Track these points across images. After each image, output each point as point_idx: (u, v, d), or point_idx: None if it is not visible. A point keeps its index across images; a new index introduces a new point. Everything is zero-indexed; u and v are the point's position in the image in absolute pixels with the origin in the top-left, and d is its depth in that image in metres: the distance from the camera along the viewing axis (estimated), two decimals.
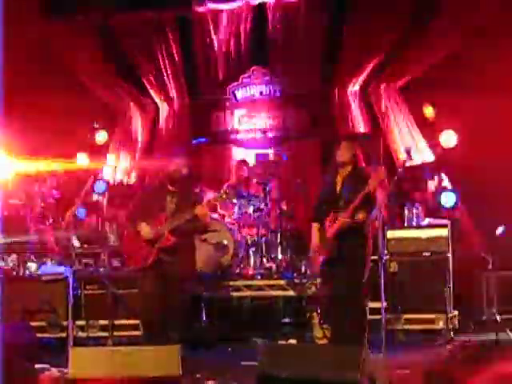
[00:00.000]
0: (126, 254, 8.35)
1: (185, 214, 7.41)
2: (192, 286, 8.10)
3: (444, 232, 8.99)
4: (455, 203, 10.43)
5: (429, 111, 11.36)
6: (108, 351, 5.90)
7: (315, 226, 7.18)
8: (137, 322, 8.27)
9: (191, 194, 7.83)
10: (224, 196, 7.55)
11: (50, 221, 10.69)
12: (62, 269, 9.27)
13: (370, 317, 7.43)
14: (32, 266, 9.80)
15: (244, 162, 11.06)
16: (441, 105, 11.14)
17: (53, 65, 12.26)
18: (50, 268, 9.69)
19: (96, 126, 12.44)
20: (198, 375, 6.81)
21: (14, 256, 9.95)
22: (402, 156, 7.20)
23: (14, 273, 9.65)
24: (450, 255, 8.87)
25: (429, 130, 11.28)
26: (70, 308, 7.86)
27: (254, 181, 10.58)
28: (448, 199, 10.43)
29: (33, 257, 9.97)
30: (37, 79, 11.83)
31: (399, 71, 11.91)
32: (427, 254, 8.99)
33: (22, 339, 7.68)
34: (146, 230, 7.46)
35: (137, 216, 7.61)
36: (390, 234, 9.10)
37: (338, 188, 7.13)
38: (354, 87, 12.26)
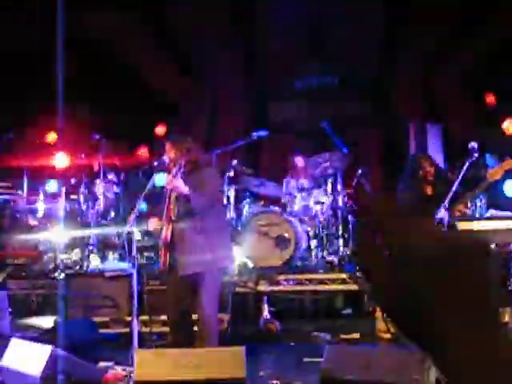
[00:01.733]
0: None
1: None
2: (215, 283, 6.77)
3: (511, 224, 8.80)
4: None
5: (490, 98, 11.20)
6: (173, 353, 5.90)
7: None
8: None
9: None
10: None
11: (112, 215, 10.76)
12: (124, 265, 9.30)
13: None
14: (95, 259, 9.89)
15: (303, 153, 10.92)
16: (502, 92, 11.00)
17: (116, 61, 12.42)
18: (113, 264, 9.77)
19: (155, 119, 12.52)
20: (261, 373, 6.80)
21: (77, 250, 10.07)
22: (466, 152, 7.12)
23: (78, 267, 9.75)
24: None
25: (490, 118, 11.13)
26: (135, 305, 7.84)
27: (315, 172, 10.45)
28: None
29: (96, 251, 10.07)
30: (97, 76, 11.97)
31: (460, 59, 11.73)
32: (492, 245, 8.82)
33: (85, 335, 7.79)
34: (152, 224, 6.97)
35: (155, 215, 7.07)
36: (462, 225, 8.89)
37: (430, 191, 7.27)
38: (415, 75, 12.12)
